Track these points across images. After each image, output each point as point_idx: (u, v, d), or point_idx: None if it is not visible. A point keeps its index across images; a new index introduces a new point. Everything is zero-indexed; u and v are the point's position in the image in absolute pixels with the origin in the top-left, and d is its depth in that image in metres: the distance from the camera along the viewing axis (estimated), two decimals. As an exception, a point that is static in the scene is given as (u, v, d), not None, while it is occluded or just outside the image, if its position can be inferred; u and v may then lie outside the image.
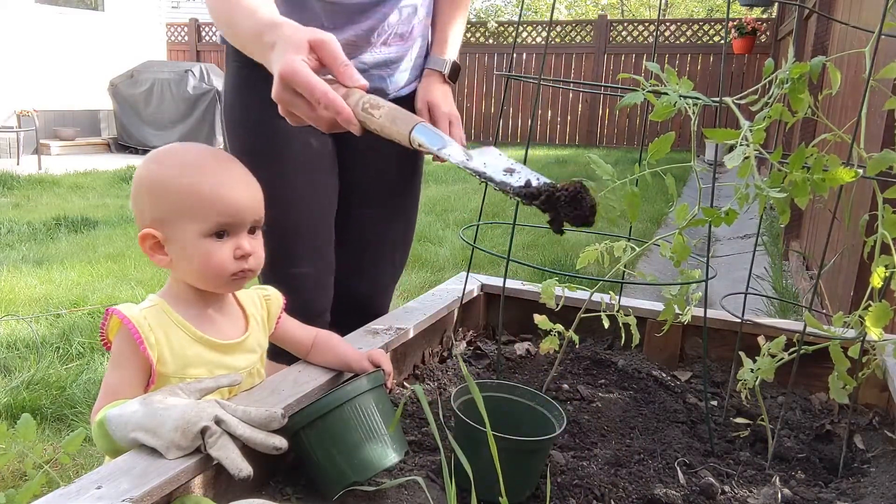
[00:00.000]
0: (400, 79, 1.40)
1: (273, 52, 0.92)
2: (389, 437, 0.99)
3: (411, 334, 1.39)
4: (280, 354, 1.19)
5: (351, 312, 1.48)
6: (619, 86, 1.36)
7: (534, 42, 11.63)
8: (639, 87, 1.09)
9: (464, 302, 1.62)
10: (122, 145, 9.20)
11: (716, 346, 1.55)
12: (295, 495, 0.99)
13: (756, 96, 1.08)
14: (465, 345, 1.61)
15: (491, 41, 11.86)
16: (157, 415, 0.85)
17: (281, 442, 0.88)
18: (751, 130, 1.00)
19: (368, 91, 0.92)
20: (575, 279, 2.19)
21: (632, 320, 1.36)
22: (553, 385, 1.42)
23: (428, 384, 1.40)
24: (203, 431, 0.84)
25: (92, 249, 4.14)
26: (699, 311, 1.31)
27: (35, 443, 1.51)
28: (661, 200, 5.83)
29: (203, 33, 13.20)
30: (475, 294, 1.70)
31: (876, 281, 1.08)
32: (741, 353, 1.20)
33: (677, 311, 1.26)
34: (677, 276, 1.30)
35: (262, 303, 1.10)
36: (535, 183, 0.78)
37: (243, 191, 0.97)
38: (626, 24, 11.36)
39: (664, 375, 1.49)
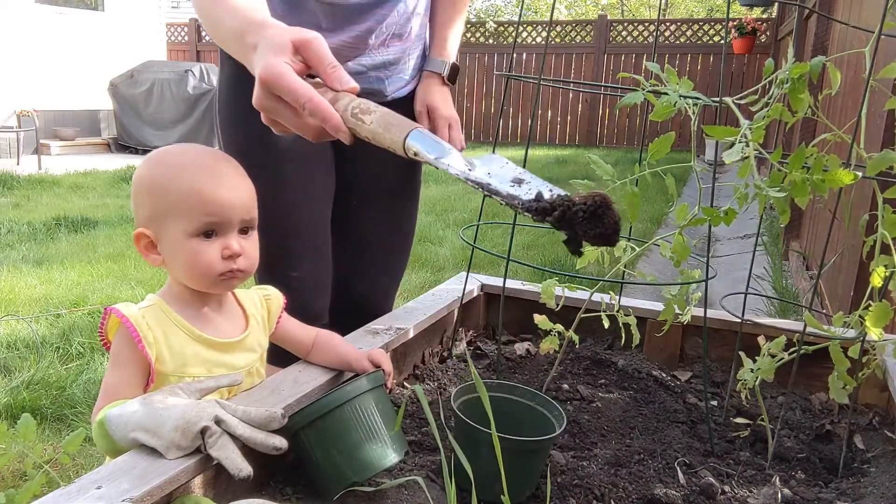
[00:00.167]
0: (398, 80, 1.39)
1: (255, 54, 0.85)
2: (389, 437, 0.99)
3: (411, 334, 1.39)
4: (276, 359, 1.17)
5: (351, 312, 1.47)
6: (619, 86, 1.36)
7: (534, 42, 11.63)
8: (639, 86, 1.09)
9: (464, 302, 1.62)
10: (122, 145, 9.21)
11: (716, 346, 1.55)
12: (295, 495, 0.99)
13: (756, 96, 1.08)
14: (465, 345, 1.62)
15: (491, 41, 11.86)
16: (157, 415, 0.85)
17: (281, 442, 0.88)
18: (750, 128, 1.00)
19: (366, 94, 0.88)
20: (575, 279, 2.19)
21: (632, 320, 1.36)
22: (553, 385, 1.42)
23: (428, 384, 1.40)
24: (203, 431, 0.84)
25: (92, 249, 4.14)
26: (699, 311, 1.31)
27: (35, 443, 1.51)
28: (661, 200, 5.83)
29: (203, 33, 13.20)
30: (475, 294, 1.70)
31: (876, 281, 1.08)
32: (741, 353, 1.20)
33: (677, 311, 1.26)
34: (677, 276, 1.30)
35: (263, 302, 1.10)
36: (547, 195, 0.68)
37: (230, 190, 0.95)
38: (626, 24, 11.37)
39: (664, 375, 1.49)
